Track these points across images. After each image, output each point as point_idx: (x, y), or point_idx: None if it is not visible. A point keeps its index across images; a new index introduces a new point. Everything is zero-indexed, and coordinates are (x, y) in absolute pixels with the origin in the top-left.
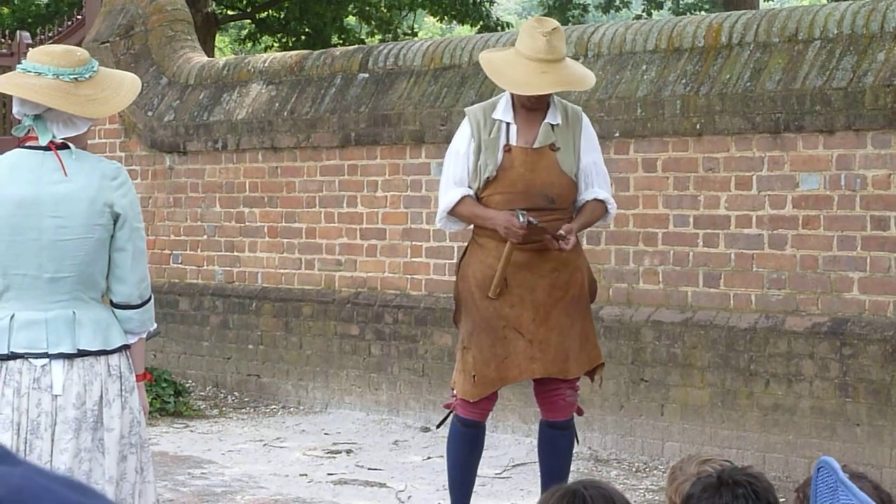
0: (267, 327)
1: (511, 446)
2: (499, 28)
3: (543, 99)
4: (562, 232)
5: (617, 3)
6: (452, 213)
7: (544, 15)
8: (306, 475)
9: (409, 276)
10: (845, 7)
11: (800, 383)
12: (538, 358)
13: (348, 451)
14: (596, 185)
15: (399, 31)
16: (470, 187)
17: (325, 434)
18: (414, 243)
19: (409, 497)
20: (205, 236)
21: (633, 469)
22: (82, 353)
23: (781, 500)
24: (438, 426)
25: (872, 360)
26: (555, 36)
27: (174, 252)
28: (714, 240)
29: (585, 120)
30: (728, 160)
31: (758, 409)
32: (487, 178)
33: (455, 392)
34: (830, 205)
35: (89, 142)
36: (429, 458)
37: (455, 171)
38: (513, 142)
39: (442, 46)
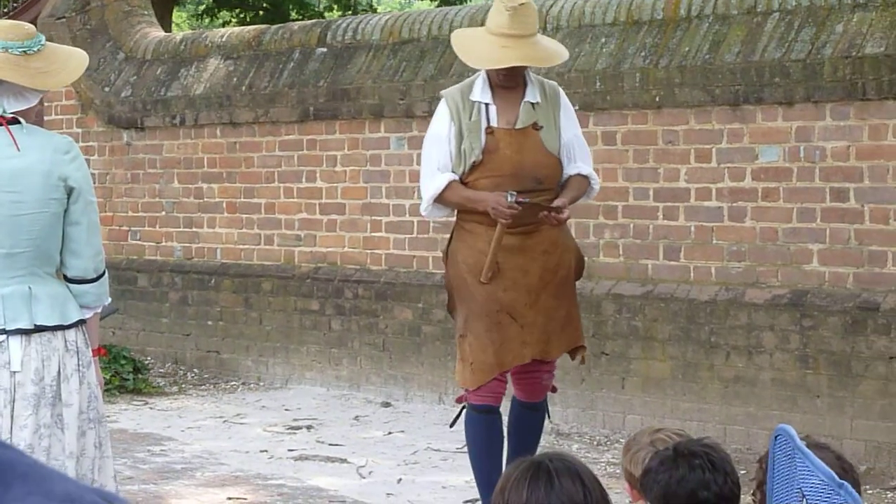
0: (226, 303)
1: None
2: (458, 2)
3: (515, 76)
4: (557, 204)
5: None
6: (439, 199)
7: None
8: (267, 451)
9: (368, 251)
10: None
11: (760, 355)
12: (529, 343)
13: (309, 427)
14: (579, 160)
15: (358, 6)
16: (454, 172)
17: (286, 410)
18: (374, 218)
19: (370, 472)
20: (163, 212)
21: (595, 443)
22: (39, 329)
23: (742, 471)
24: (452, 424)
25: (832, 331)
26: (521, 11)
27: (132, 228)
28: (674, 212)
29: (563, 94)
30: (688, 133)
31: (719, 381)
32: (474, 162)
33: (459, 382)
34: (790, 177)
35: (46, 118)
36: (389, 433)
37: (438, 157)
38: (494, 123)
39: (401, 20)
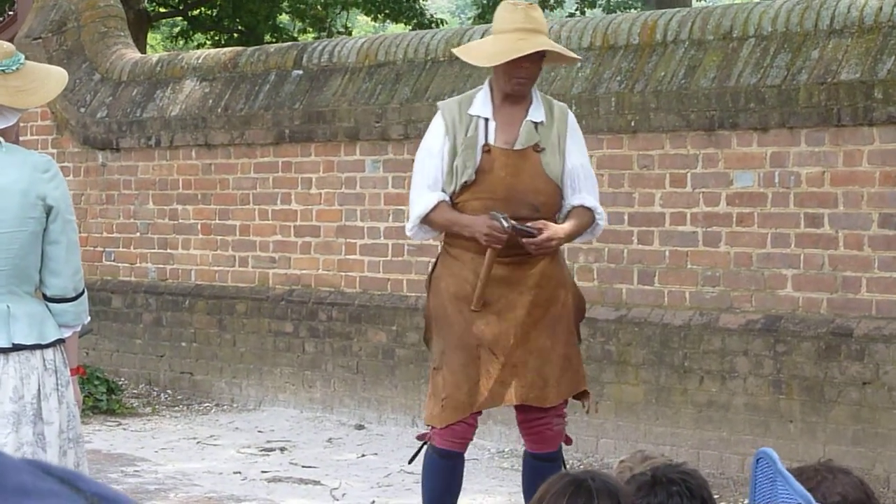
0: (200, 325)
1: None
2: (433, 25)
3: (526, 83)
4: (537, 226)
5: (551, 2)
6: (426, 220)
7: (478, 14)
8: (240, 473)
9: (343, 274)
10: (780, 5)
11: (734, 380)
12: (509, 384)
13: (282, 449)
14: (584, 191)
15: (333, 29)
16: (444, 191)
17: (259, 432)
18: (348, 241)
19: (343, 494)
20: (138, 234)
21: (568, 466)
22: (18, 348)
23: (715, 495)
24: (410, 461)
25: (806, 356)
26: (532, 8)
27: (107, 249)
28: (648, 237)
29: (572, 118)
30: (663, 157)
31: (692, 405)
32: (465, 181)
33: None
34: (764, 202)
35: (21, 138)
36: (363, 455)
37: (428, 174)
38: (492, 141)
39: (377, 44)
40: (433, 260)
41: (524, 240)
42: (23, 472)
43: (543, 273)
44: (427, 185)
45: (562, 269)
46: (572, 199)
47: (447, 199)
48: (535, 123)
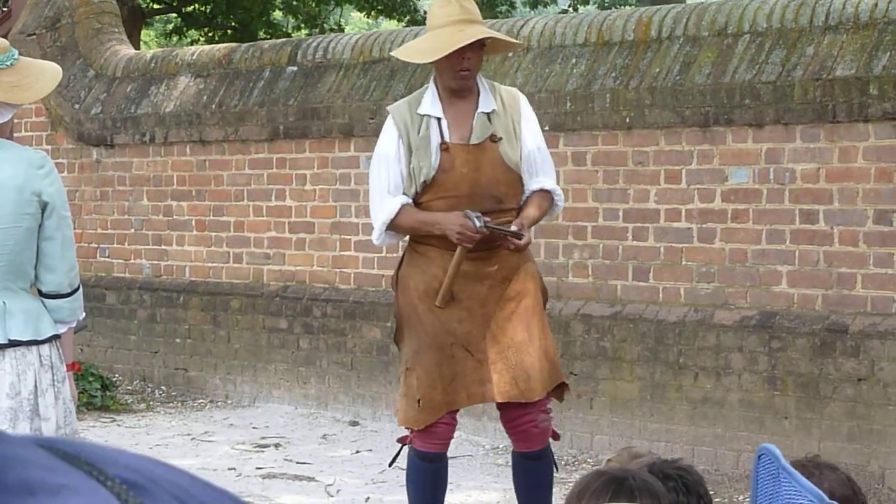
0: (195, 321)
1: None
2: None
3: (469, 75)
4: (514, 228)
5: None
6: (392, 226)
7: None
8: (235, 469)
9: (337, 270)
10: (774, 1)
11: (728, 376)
12: (488, 380)
13: (277, 445)
14: (541, 174)
15: (326, 26)
16: (405, 194)
17: (254, 428)
18: (343, 237)
19: (337, 491)
20: (132, 230)
21: (563, 462)
22: (14, 344)
23: (710, 492)
24: (391, 464)
25: (801, 353)
26: (466, 0)
27: (101, 245)
28: (643, 233)
29: (524, 101)
30: (657, 154)
31: (687, 402)
32: (424, 181)
33: (398, 421)
34: (759, 198)
35: (15, 135)
36: (357, 451)
37: (388, 179)
38: (447, 138)
39: (371, 40)
40: (399, 257)
41: (511, 240)
42: (30, 465)
43: (511, 266)
44: (387, 191)
45: (529, 259)
46: (530, 184)
47: (410, 201)
48: (487, 114)
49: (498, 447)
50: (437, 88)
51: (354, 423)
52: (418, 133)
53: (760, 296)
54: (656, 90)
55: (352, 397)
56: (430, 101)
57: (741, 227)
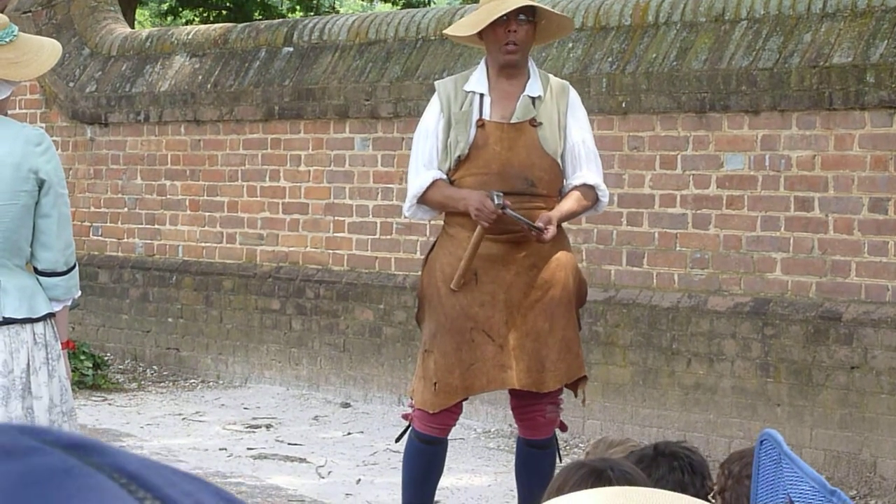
0: (187, 301)
1: None
2: (420, 5)
3: (517, 50)
4: (540, 224)
5: None
6: (423, 199)
7: None
8: (226, 449)
9: (331, 251)
10: None
11: (721, 363)
12: (509, 366)
13: (268, 426)
14: (585, 168)
15: (321, 7)
16: (441, 169)
17: (245, 408)
18: (336, 218)
19: (329, 472)
20: (125, 209)
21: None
22: (7, 321)
23: None
24: (397, 440)
25: (794, 340)
26: None
27: (94, 224)
28: (638, 219)
29: (573, 94)
30: (653, 139)
31: (679, 387)
32: (458, 156)
33: (413, 402)
34: (754, 185)
35: (10, 112)
36: (349, 433)
37: (424, 152)
38: (486, 116)
39: (367, 21)
40: (433, 239)
41: (525, 228)
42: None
43: (540, 254)
44: (423, 164)
45: (562, 249)
46: (573, 178)
47: (444, 176)
48: (532, 98)
49: (489, 431)
50: (487, 68)
51: (346, 405)
52: (461, 108)
53: (754, 282)
54: (653, 75)
55: (343, 379)
56: (477, 79)
57: (736, 214)
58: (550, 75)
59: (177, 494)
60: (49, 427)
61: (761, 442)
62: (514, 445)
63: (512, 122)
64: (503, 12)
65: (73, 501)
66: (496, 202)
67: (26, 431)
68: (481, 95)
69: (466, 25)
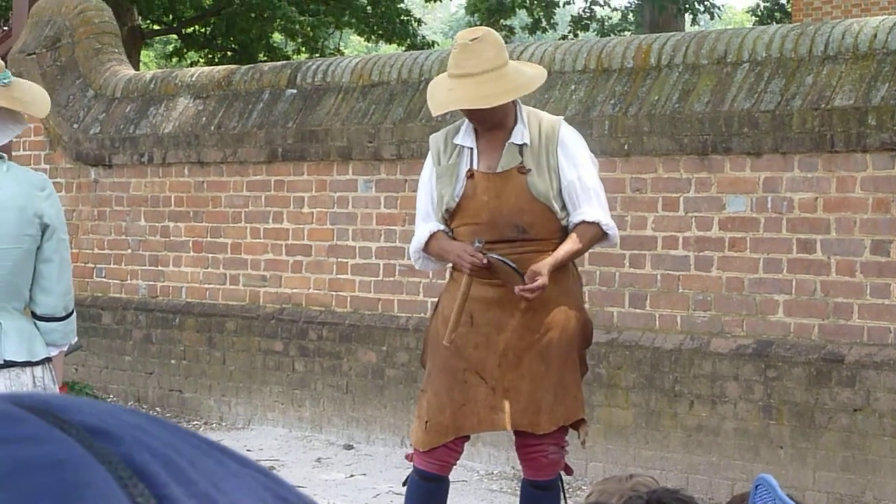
0: (190, 342)
1: None
2: (425, 47)
3: (485, 118)
4: (531, 272)
5: (543, 24)
6: (425, 251)
7: None
8: None
9: (333, 293)
10: (774, 30)
11: (724, 405)
12: (501, 408)
13: (271, 468)
14: (584, 205)
15: (326, 49)
16: (439, 221)
17: (248, 450)
18: (339, 260)
19: None
20: (129, 250)
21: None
22: (8, 364)
23: None
24: (404, 483)
25: (796, 382)
26: (471, 47)
27: (98, 266)
28: (640, 261)
29: (564, 132)
30: (655, 181)
31: (682, 429)
32: (446, 209)
33: (412, 441)
34: (757, 227)
35: (14, 153)
36: (351, 475)
37: (421, 206)
38: (475, 167)
39: (370, 63)
40: (437, 282)
41: (517, 289)
42: None
43: (540, 297)
44: (422, 218)
45: (563, 292)
46: (573, 217)
47: (442, 227)
48: (518, 146)
49: (492, 473)
50: None
51: (349, 447)
52: (448, 161)
53: (757, 324)
54: (655, 117)
55: (346, 420)
56: (464, 132)
57: (738, 256)
58: (543, 114)
59: (192, 494)
60: (82, 404)
61: (756, 487)
62: (518, 488)
63: (498, 171)
64: (438, 112)
65: (46, 500)
66: (476, 244)
67: (49, 410)
68: (470, 149)
69: (432, 100)
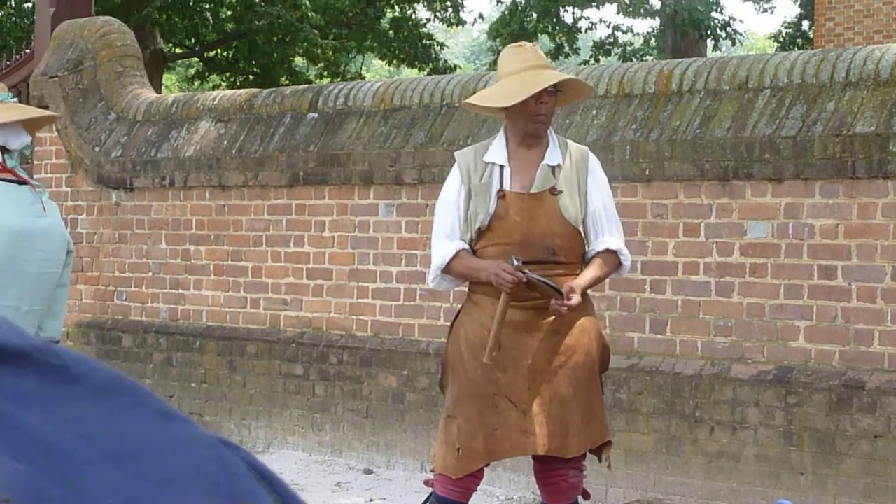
0: (210, 366)
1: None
2: (447, 72)
3: (546, 120)
4: (565, 288)
5: (566, 49)
6: (446, 270)
7: (493, 61)
8: None
9: (354, 317)
10: (795, 56)
11: (744, 431)
12: (532, 432)
13: None
14: (607, 234)
15: (347, 74)
16: (463, 240)
17: None
18: (360, 284)
19: None
20: (150, 273)
21: None
22: None
23: None
24: None
25: (817, 408)
26: (524, 48)
27: (119, 288)
28: (661, 286)
29: (593, 160)
30: (677, 206)
31: (702, 455)
32: (479, 228)
33: (433, 467)
34: (778, 253)
35: (35, 176)
36: (371, 500)
37: (446, 223)
38: (507, 186)
39: (392, 88)
40: (457, 306)
41: (553, 299)
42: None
43: (564, 320)
44: (445, 235)
45: (586, 315)
46: (596, 244)
47: (466, 247)
48: (552, 167)
49: (512, 498)
50: (507, 138)
51: (369, 471)
52: (480, 179)
53: (777, 350)
54: (676, 143)
55: (366, 445)
56: (496, 149)
57: (759, 282)
58: (570, 141)
59: None
60: (242, 458)
61: None
62: None
63: (532, 191)
64: (543, 86)
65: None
66: (515, 264)
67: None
68: (501, 167)
69: (497, 97)
